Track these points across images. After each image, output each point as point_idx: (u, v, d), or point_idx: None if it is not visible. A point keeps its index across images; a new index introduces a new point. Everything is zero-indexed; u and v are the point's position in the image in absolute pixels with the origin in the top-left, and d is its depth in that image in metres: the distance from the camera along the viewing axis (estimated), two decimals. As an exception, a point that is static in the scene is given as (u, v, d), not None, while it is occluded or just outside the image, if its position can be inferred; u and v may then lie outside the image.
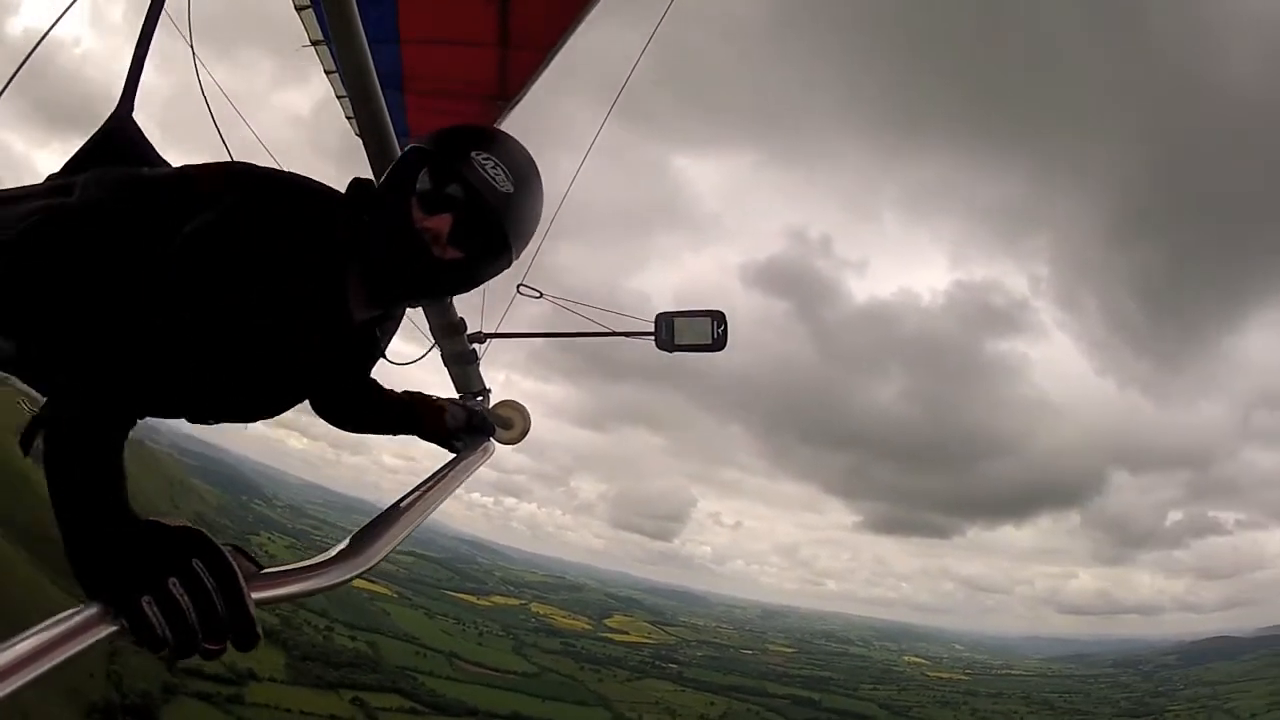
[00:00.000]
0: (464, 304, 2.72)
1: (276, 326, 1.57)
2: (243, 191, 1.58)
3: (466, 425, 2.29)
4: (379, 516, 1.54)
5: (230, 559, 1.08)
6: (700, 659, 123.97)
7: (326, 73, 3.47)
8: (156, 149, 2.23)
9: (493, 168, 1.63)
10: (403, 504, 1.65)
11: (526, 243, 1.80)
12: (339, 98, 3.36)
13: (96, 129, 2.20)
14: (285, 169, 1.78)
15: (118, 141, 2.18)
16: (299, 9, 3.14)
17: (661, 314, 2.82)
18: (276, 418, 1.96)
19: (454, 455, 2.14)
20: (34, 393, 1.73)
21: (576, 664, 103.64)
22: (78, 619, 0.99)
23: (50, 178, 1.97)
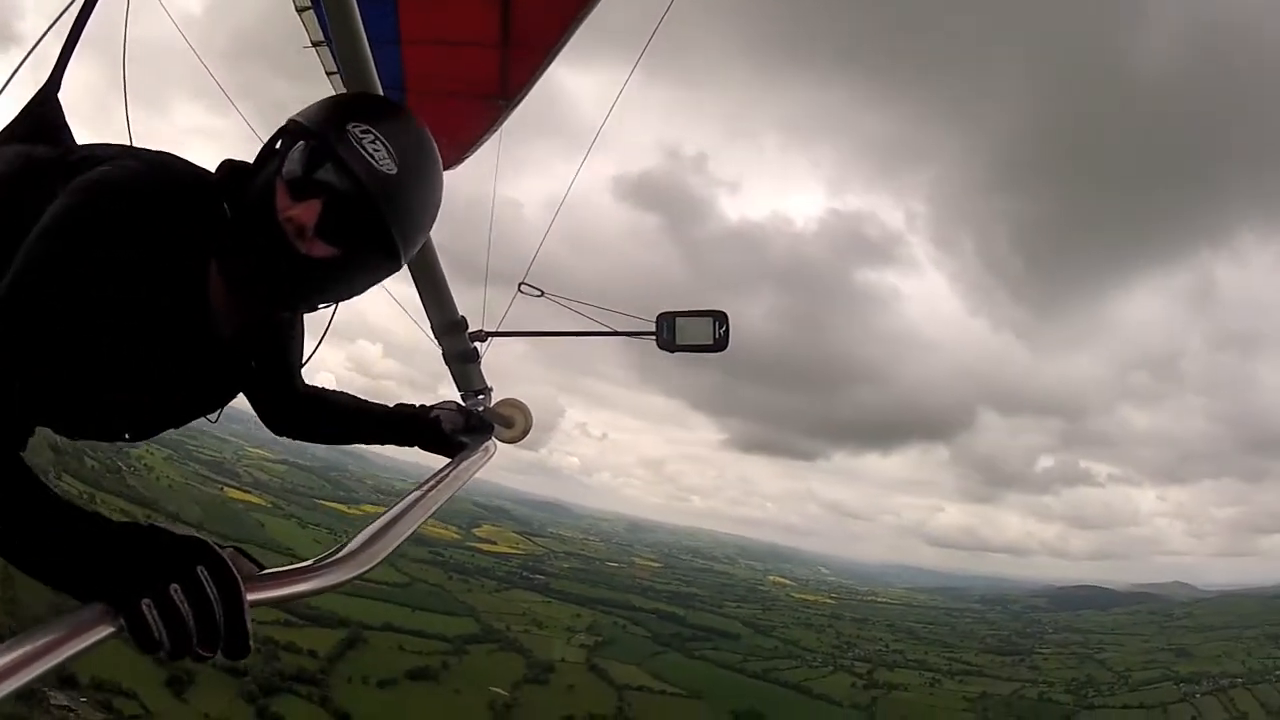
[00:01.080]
0: (464, 303, 2.72)
1: (126, 333, 1.38)
2: (96, 178, 1.38)
3: (465, 426, 2.27)
4: (380, 516, 1.54)
5: (233, 569, 1.07)
6: (567, 571, 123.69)
7: (328, 74, 3.47)
8: (72, 131, 2.18)
9: (371, 143, 1.35)
10: (404, 504, 1.64)
11: (418, 237, 1.52)
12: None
13: (22, 106, 2.21)
14: (165, 151, 1.55)
15: (38, 122, 2.14)
16: (300, 10, 3.14)
17: (663, 314, 2.82)
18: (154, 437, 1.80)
19: (455, 456, 2.13)
20: None
21: (445, 574, 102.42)
22: (78, 620, 0.99)
23: None
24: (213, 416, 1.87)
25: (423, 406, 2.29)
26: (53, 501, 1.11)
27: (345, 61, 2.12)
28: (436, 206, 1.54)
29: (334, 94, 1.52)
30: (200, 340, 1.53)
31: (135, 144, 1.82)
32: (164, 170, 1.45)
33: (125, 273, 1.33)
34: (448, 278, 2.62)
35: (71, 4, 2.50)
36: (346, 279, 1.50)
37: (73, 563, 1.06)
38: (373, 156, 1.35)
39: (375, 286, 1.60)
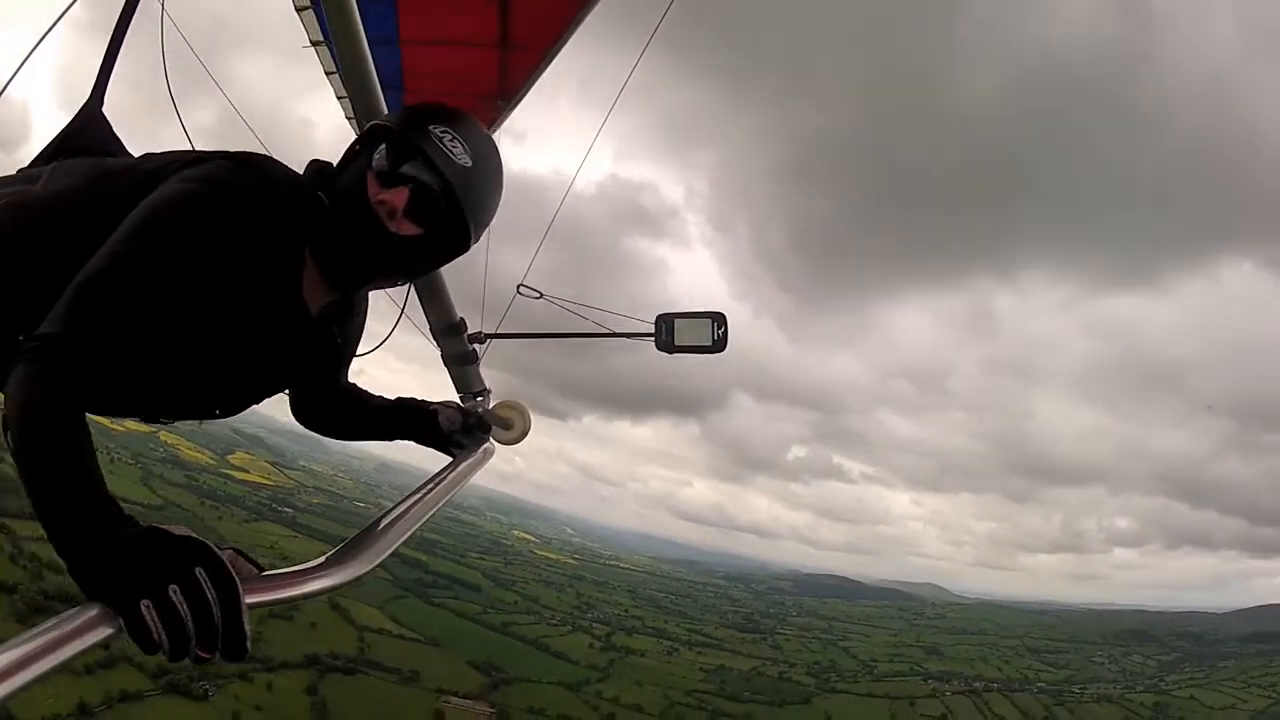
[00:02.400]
0: (463, 304, 2.73)
1: (223, 307, 1.53)
2: (197, 169, 1.54)
3: (464, 427, 2.27)
4: (379, 518, 1.54)
5: (232, 571, 1.08)
6: (315, 506, 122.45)
7: (327, 73, 3.47)
8: (123, 142, 2.25)
9: (450, 140, 1.60)
10: (403, 505, 1.65)
11: (485, 222, 1.75)
12: (339, 98, 3.36)
13: (68, 122, 2.23)
14: (254, 152, 1.72)
15: (87, 134, 2.20)
16: (299, 10, 3.14)
17: (662, 315, 2.82)
18: (236, 416, 1.91)
19: (455, 458, 2.13)
20: None
21: (198, 499, 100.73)
22: (78, 620, 0.99)
23: (22, 170, 1.98)
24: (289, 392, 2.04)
25: (424, 401, 2.30)
26: (80, 473, 1.14)
27: (344, 61, 2.12)
28: (500, 197, 1.77)
29: (413, 103, 1.74)
30: (291, 317, 1.70)
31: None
32: (262, 167, 1.63)
33: (226, 252, 1.48)
34: (446, 280, 2.62)
35: (63, 9, 2.51)
36: (425, 256, 1.72)
37: (75, 554, 1.07)
38: (451, 152, 1.60)
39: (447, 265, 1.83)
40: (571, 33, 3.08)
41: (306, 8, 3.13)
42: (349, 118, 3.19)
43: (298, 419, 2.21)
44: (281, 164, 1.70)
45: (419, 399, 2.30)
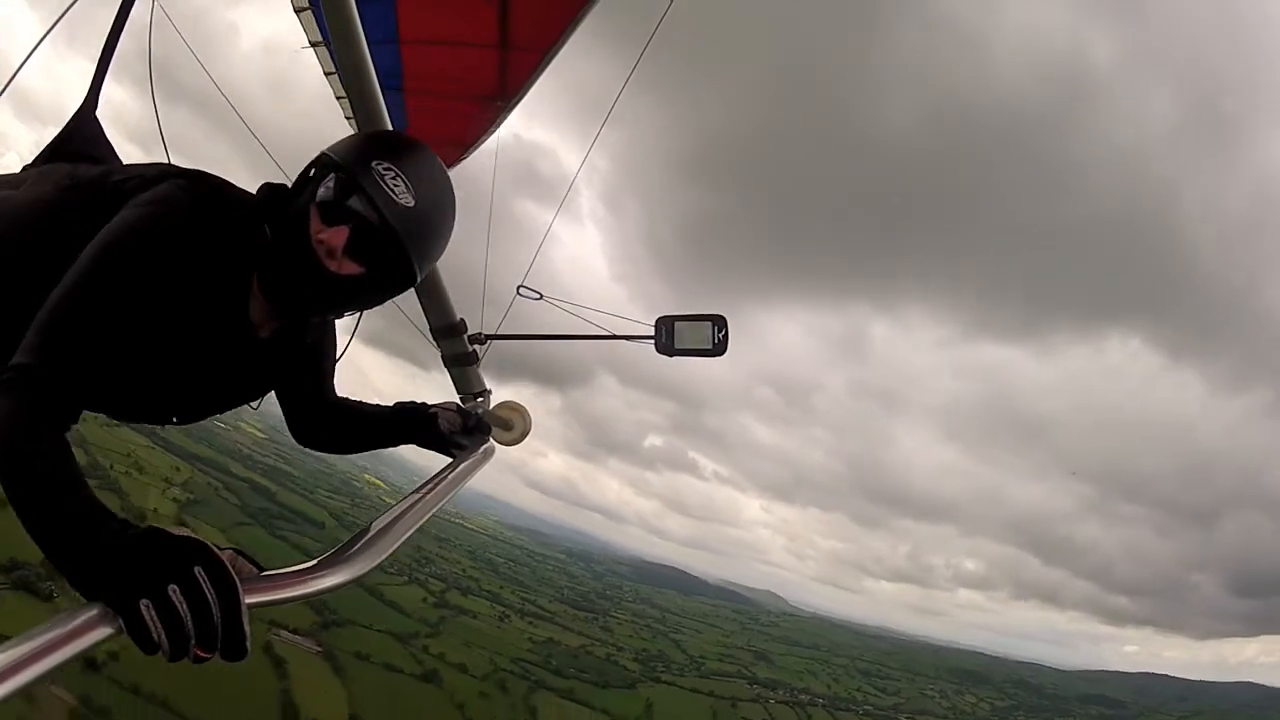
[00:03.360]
0: (463, 305, 2.72)
1: (175, 327, 1.59)
2: (151, 192, 1.59)
3: (464, 428, 2.28)
4: (379, 518, 1.54)
5: (231, 571, 1.08)
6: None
7: (326, 74, 3.47)
8: (114, 148, 2.30)
9: (392, 179, 1.57)
10: (403, 506, 1.64)
11: (432, 259, 1.75)
12: (338, 99, 3.36)
13: (63, 126, 2.27)
14: (206, 172, 1.76)
15: (80, 139, 2.26)
16: (298, 11, 3.14)
17: (662, 318, 2.82)
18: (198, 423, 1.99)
19: (455, 458, 2.13)
20: None
21: None
22: (77, 620, 0.99)
23: (14, 174, 2.04)
24: (254, 405, 2.09)
25: (423, 404, 2.32)
26: (71, 490, 1.16)
27: (343, 62, 2.11)
28: (448, 234, 1.77)
29: (361, 131, 1.77)
30: (240, 340, 1.74)
31: (173, 162, 1.95)
32: (213, 192, 1.66)
33: (177, 278, 1.54)
34: (445, 281, 2.62)
35: (61, 17, 2.51)
36: (367, 293, 1.72)
37: (73, 559, 1.08)
38: (393, 191, 1.57)
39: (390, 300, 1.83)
40: (572, 33, 3.08)
41: (305, 9, 3.13)
42: (348, 118, 3.18)
43: (298, 440, 2.25)
44: (235, 187, 1.73)
45: (418, 402, 2.32)
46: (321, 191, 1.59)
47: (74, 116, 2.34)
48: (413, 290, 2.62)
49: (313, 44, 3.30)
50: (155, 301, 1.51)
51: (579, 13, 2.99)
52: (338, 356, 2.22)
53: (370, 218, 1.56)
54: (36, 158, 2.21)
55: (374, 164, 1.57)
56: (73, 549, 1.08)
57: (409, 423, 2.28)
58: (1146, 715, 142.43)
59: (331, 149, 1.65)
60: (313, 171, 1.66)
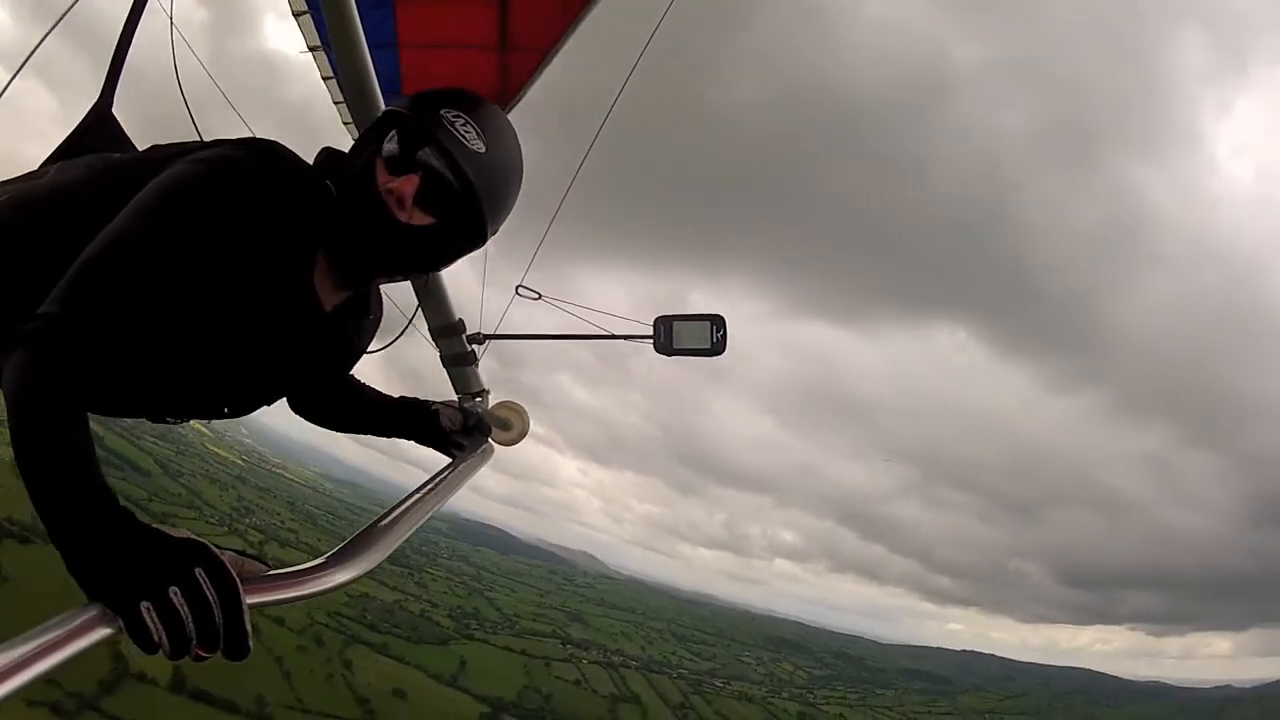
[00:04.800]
0: (462, 305, 2.73)
1: (232, 297, 1.46)
2: (208, 151, 1.49)
3: (464, 427, 2.27)
4: (380, 518, 1.54)
5: (232, 572, 1.08)
6: None
7: (324, 78, 3.47)
8: (134, 142, 2.25)
9: (463, 125, 1.51)
10: (403, 505, 1.65)
11: (503, 211, 1.65)
12: (337, 103, 3.36)
13: (77, 123, 2.24)
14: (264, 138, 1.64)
15: (96, 135, 2.21)
16: (296, 14, 3.14)
17: (660, 317, 2.82)
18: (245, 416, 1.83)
19: (455, 458, 2.14)
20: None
21: None
22: (78, 621, 0.99)
23: (29, 172, 1.97)
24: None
25: (426, 401, 2.28)
26: (79, 470, 1.12)
27: (343, 65, 2.12)
28: (519, 185, 1.67)
29: (425, 89, 1.64)
30: (303, 313, 1.61)
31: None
32: (273, 151, 1.54)
33: (234, 241, 1.41)
34: (445, 280, 2.63)
35: (63, 17, 2.51)
36: (438, 248, 1.61)
37: (75, 555, 1.07)
38: (464, 137, 1.50)
39: (462, 259, 1.72)
40: (572, 33, 3.08)
41: (304, 12, 3.13)
42: (346, 123, 3.19)
43: (294, 408, 2.12)
44: (291, 151, 1.62)
45: (421, 399, 2.29)
46: (387, 144, 1.51)
47: (89, 113, 2.27)
48: (413, 290, 2.66)
49: (311, 48, 3.30)
50: (209, 259, 1.38)
51: (580, 13, 3.00)
52: (384, 346, 2.15)
53: (442, 164, 1.49)
54: (51, 155, 2.15)
55: (443, 111, 1.52)
56: (75, 544, 1.07)
57: (411, 418, 2.23)
58: (972, 692, 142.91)
59: (395, 104, 1.59)
60: (376, 129, 1.58)
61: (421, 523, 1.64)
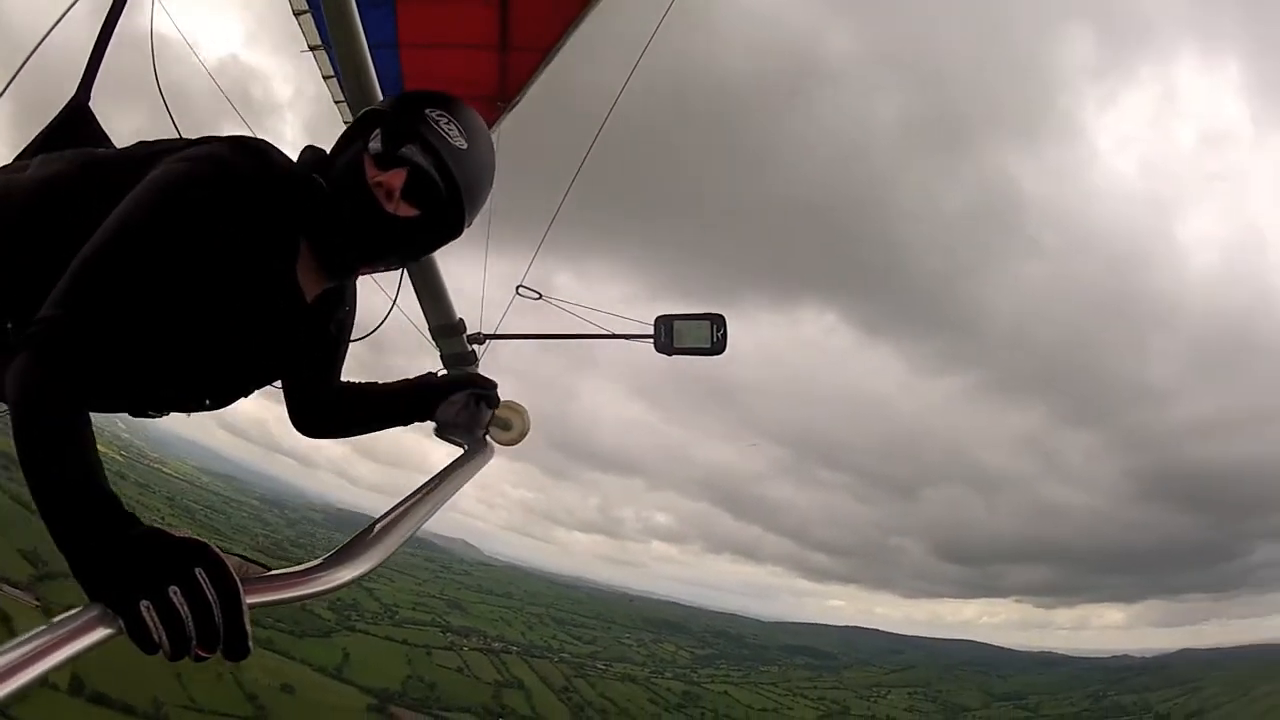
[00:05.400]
0: (462, 305, 2.73)
1: (220, 289, 1.51)
2: (196, 149, 1.54)
3: (465, 426, 2.26)
4: (379, 519, 1.54)
5: (233, 572, 1.08)
6: None
7: (325, 77, 3.47)
8: (110, 137, 2.25)
9: (446, 123, 1.61)
10: (403, 506, 1.64)
11: (479, 204, 1.74)
12: (337, 102, 3.37)
13: (53, 116, 2.24)
14: (251, 136, 1.70)
15: (74, 128, 2.21)
16: (298, 14, 3.14)
17: (661, 317, 2.82)
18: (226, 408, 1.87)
19: (454, 459, 2.13)
20: None
21: None
22: (78, 621, 0.99)
23: (5, 165, 1.97)
24: (278, 384, 2.01)
25: (429, 374, 2.23)
26: (82, 473, 1.14)
27: (344, 65, 2.12)
28: (491, 182, 1.76)
29: (401, 91, 1.75)
30: (286, 303, 1.67)
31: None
32: (260, 149, 1.61)
33: (220, 235, 1.47)
34: (445, 280, 2.63)
35: (63, 16, 2.52)
36: (421, 238, 1.70)
37: (77, 555, 1.07)
38: (447, 134, 1.60)
39: (441, 249, 1.81)
40: (571, 33, 3.09)
41: (305, 12, 3.13)
42: (347, 122, 3.19)
43: (300, 429, 2.14)
44: (277, 148, 1.68)
45: (423, 376, 2.22)
46: (374, 141, 1.59)
47: (66, 107, 2.29)
48: (412, 289, 2.66)
49: (312, 48, 3.30)
50: (196, 258, 1.44)
51: (579, 13, 3.00)
52: (368, 334, 2.18)
53: (426, 160, 1.58)
54: (26, 149, 2.16)
55: (427, 110, 1.61)
56: (76, 543, 1.08)
57: (421, 400, 2.16)
58: (858, 666, 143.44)
59: (376, 106, 1.69)
60: (355, 129, 1.65)
61: (422, 524, 1.64)
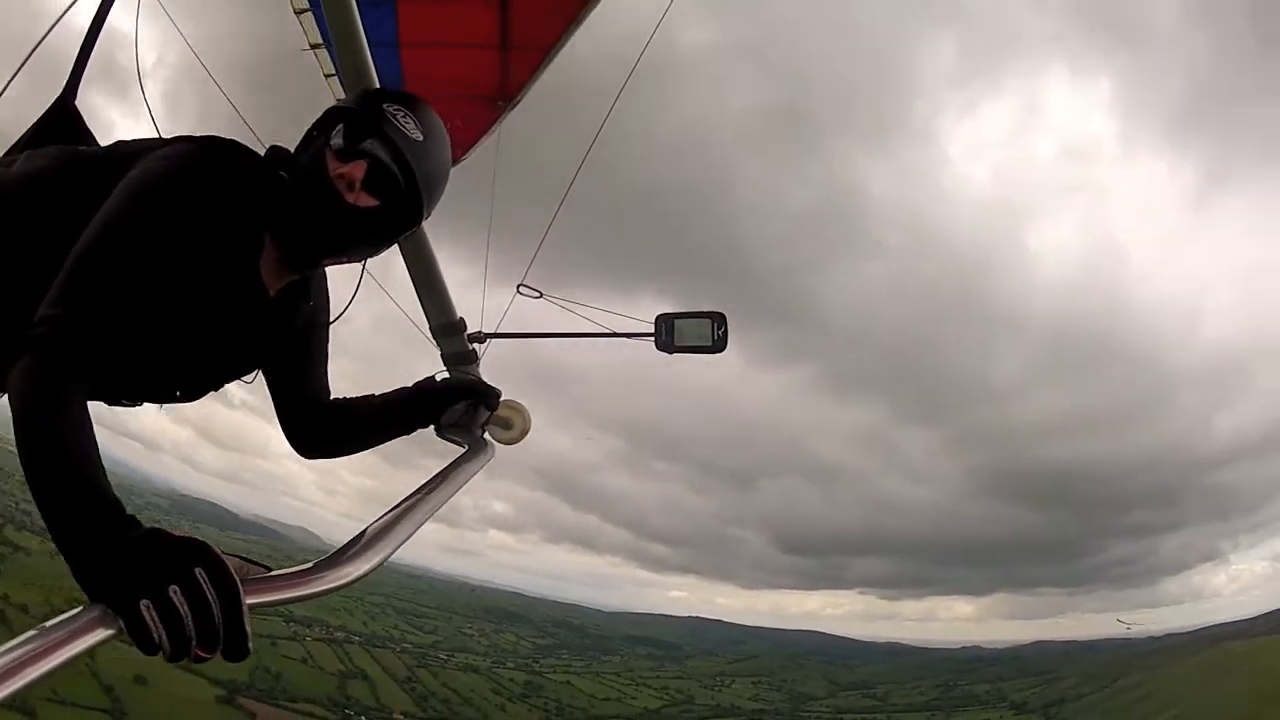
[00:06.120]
0: (463, 305, 2.72)
1: (191, 285, 1.59)
2: (169, 148, 1.63)
3: (465, 426, 2.27)
4: (380, 519, 1.54)
5: (233, 572, 1.09)
6: None
7: (326, 76, 3.47)
8: (95, 136, 2.28)
9: (403, 117, 1.70)
10: (403, 506, 1.64)
11: (436, 195, 1.82)
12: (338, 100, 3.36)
13: (40, 115, 2.25)
14: (219, 136, 1.78)
15: (60, 127, 2.23)
16: (298, 12, 3.14)
17: (662, 315, 2.82)
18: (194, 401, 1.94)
19: (454, 459, 2.13)
20: None
21: None
22: (78, 621, 0.99)
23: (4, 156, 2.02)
24: (249, 379, 2.05)
25: (429, 378, 2.27)
26: (85, 475, 1.17)
27: (344, 64, 2.12)
28: (448, 174, 1.85)
29: (360, 89, 1.85)
30: (251, 299, 1.75)
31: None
32: (228, 148, 1.71)
33: (193, 231, 1.56)
34: (445, 279, 2.63)
35: (62, 16, 2.52)
36: (381, 229, 1.77)
37: (77, 555, 1.09)
38: (405, 128, 1.69)
39: (395, 244, 1.91)
40: (573, 33, 3.08)
41: (306, 10, 3.13)
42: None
43: (301, 452, 2.16)
44: (245, 146, 1.76)
45: (421, 383, 2.26)
46: (335, 135, 1.68)
47: (52, 106, 2.31)
48: (413, 289, 2.66)
49: (313, 46, 3.30)
50: (173, 254, 1.52)
51: (579, 12, 3.00)
52: (338, 315, 2.18)
53: (386, 151, 1.66)
54: (12, 147, 2.17)
55: (385, 106, 1.70)
56: (77, 545, 1.09)
57: (420, 409, 2.21)
58: (701, 656, 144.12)
59: (338, 104, 1.79)
60: (320, 124, 1.75)
61: (422, 524, 1.64)
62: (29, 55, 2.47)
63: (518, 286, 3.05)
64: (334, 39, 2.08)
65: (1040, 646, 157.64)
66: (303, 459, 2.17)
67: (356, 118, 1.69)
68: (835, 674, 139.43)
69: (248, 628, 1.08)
